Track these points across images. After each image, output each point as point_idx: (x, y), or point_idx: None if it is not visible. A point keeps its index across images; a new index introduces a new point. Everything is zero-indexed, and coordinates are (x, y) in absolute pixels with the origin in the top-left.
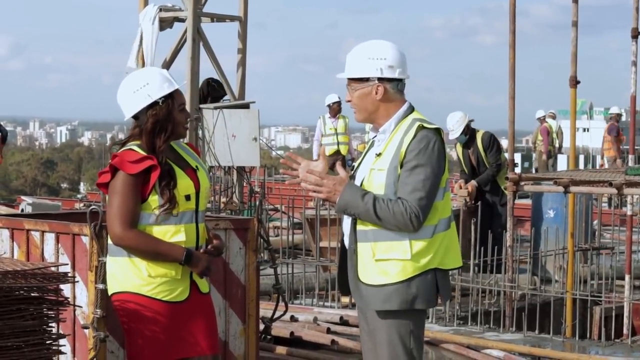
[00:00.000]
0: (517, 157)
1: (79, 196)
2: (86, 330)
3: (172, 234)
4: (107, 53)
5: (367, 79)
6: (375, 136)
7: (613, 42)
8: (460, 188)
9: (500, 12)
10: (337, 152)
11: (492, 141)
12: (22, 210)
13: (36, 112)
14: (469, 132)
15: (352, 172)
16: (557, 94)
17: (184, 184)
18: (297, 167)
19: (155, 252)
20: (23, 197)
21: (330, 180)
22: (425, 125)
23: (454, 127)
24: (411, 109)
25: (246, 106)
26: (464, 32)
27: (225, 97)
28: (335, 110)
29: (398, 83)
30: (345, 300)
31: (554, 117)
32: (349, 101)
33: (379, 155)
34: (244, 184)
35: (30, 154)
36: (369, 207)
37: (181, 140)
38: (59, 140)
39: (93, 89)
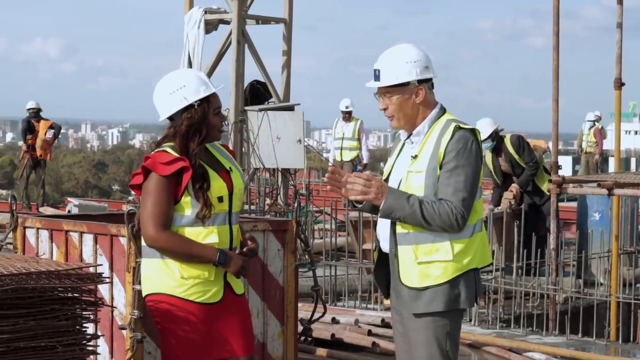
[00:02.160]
0: (568, 160)
1: (130, 198)
2: (124, 331)
3: (205, 235)
4: (156, 55)
5: (407, 84)
6: (407, 138)
7: None
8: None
9: (552, 14)
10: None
11: (521, 142)
12: (69, 211)
13: (88, 114)
14: (495, 138)
15: (386, 175)
16: (608, 96)
17: (216, 185)
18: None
19: (188, 253)
20: (70, 199)
21: (377, 181)
22: (462, 125)
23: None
24: (443, 110)
25: (291, 108)
26: (514, 34)
27: (270, 100)
28: (347, 115)
29: (431, 83)
30: (388, 302)
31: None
32: (384, 109)
33: (415, 157)
34: (289, 186)
35: (82, 156)
36: (416, 209)
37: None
38: (111, 142)
39: (143, 91)
